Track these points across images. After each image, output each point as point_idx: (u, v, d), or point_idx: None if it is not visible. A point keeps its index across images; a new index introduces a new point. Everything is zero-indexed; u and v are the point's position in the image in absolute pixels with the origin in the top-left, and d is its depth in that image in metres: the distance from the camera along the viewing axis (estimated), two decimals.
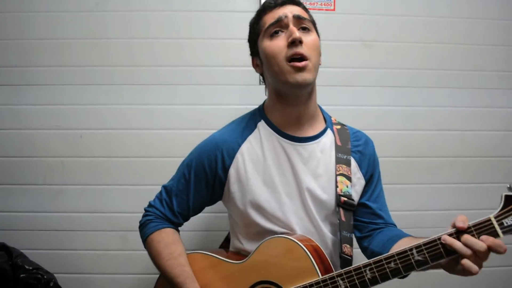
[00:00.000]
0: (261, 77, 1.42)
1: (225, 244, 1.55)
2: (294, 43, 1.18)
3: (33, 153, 1.91)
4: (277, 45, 1.21)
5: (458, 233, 0.98)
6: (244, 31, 1.35)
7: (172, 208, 1.33)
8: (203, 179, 1.31)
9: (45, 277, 1.46)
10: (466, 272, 0.97)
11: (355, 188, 1.33)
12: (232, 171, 1.29)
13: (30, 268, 1.46)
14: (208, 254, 1.30)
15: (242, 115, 1.41)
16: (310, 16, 1.30)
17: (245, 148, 1.29)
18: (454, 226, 1.00)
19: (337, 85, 1.96)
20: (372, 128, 1.95)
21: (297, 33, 1.18)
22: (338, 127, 1.38)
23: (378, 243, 1.30)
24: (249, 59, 1.40)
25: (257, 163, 1.28)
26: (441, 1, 1.98)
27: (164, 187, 1.37)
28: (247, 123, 1.34)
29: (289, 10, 1.23)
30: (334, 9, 1.95)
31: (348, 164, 1.32)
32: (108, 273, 1.90)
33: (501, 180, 1.97)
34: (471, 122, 2.00)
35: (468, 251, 0.96)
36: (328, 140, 1.34)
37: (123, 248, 1.91)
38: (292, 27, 1.21)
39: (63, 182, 1.91)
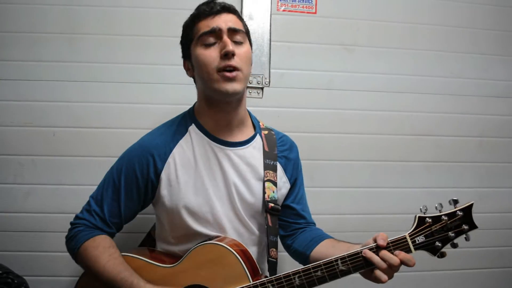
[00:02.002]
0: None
1: (147, 240, 1.55)
2: (227, 55, 1.21)
3: (3, 151, 1.83)
4: (210, 55, 1.22)
5: (378, 248, 1.12)
6: None
7: (104, 218, 1.29)
8: (134, 185, 1.29)
9: (15, 281, 1.39)
10: (377, 280, 1.12)
11: (281, 191, 1.40)
12: (163, 176, 1.29)
13: (0, 272, 1.40)
14: (137, 257, 1.29)
15: (171, 118, 1.41)
16: (245, 25, 1.32)
17: (176, 152, 1.31)
18: (375, 241, 1.13)
19: (316, 88, 1.97)
20: (350, 132, 1.98)
21: (230, 46, 1.21)
22: (266, 132, 1.43)
23: (301, 242, 1.39)
24: None
25: (189, 168, 1.30)
26: (421, 8, 2.03)
27: (92, 197, 1.33)
28: (178, 127, 1.35)
29: (224, 21, 1.24)
30: (315, 12, 1.96)
31: (274, 169, 1.38)
32: (80, 275, 1.84)
33: (476, 185, 2.03)
34: (447, 128, 2.04)
35: (384, 265, 1.10)
36: (257, 145, 1.39)
37: None
38: (226, 39, 1.22)
39: (34, 181, 1.85)
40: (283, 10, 1.94)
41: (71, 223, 1.34)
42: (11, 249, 1.82)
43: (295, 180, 1.46)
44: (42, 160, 1.85)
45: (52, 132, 1.86)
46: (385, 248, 1.11)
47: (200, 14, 1.26)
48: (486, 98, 2.06)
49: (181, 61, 1.36)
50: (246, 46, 1.28)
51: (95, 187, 1.82)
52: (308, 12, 1.95)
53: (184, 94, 1.84)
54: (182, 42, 1.35)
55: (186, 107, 1.44)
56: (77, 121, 1.86)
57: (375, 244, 1.12)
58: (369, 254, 1.11)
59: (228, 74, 1.21)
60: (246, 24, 1.35)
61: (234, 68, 1.22)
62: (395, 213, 1.99)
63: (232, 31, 1.24)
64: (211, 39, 1.23)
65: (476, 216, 1.15)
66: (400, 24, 2.01)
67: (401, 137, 2.02)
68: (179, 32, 1.37)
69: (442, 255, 1.14)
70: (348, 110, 1.99)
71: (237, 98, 1.30)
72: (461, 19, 2.05)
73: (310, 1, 1.95)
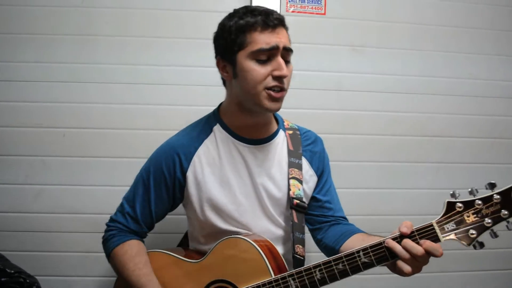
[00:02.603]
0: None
1: (184, 241, 1.57)
2: (280, 78, 1.20)
3: (14, 152, 1.85)
4: (262, 73, 1.20)
5: (402, 237, 1.04)
6: None
7: (136, 218, 1.33)
8: (163, 184, 1.32)
9: (27, 280, 1.40)
10: (400, 272, 1.04)
11: (309, 185, 1.40)
12: (189, 174, 1.31)
13: (12, 271, 1.40)
14: (167, 253, 1.34)
15: (197, 120, 1.42)
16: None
17: (201, 151, 1.32)
18: (400, 230, 1.05)
19: (325, 89, 1.97)
20: (359, 133, 1.98)
21: (285, 70, 1.20)
22: (290, 132, 1.43)
23: (331, 237, 1.36)
24: None
25: (214, 166, 1.32)
26: (430, 9, 2.02)
27: (125, 198, 1.37)
28: (203, 127, 1.37)
29: (280, 38, 1.20)
30: (324, 13, 1.96)
31: (299, 168, 1.38)
32: (91, 275, 1.85)
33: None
34: (458, 129, 2.03)
35: (406, 255, 1.02)
36: (281, 140, 1.40)
37: None
38: (281, 60, 1.20)
39: (45, 181, 1.86)
40: (292, 11, 1.94)
41: (107, 225, 1.37)
42: (22, 249, 1.83)
43: (322, 172, 1.45)
44: (51, 160, 1.87)
45: (62, 133, 1.87)
46: (409, 236, 1.03)
47: (256, 24, 1.19)
48: (497, 99, 2.05)
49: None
50: (291, 64, 1.26)
51: (105, 188, 1.87)
52: (317, 13, 1.95)
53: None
54: (224, 44, 1.26)
55: (206, 109, 1.44)
56: (86, 123, 1.88)
57: (398, 233, 1.04)
58: (391, 243, 1.04)
59: (275, 94, 1.21)
60: None
61: (282, 89, 1.22)
62: (405, 214, 1.98)
63: (286, 51, 1.22)
64: (265, 56, 1.20)
65: None
66: (409, 24, 2.01)
67: (411, 138, 2.01)
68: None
69: (480, 245, 1.01)
70: (357, 111, 1.98)
71: None
72: (470, 19, 2.04)
73: (319, 2, 1.94)
